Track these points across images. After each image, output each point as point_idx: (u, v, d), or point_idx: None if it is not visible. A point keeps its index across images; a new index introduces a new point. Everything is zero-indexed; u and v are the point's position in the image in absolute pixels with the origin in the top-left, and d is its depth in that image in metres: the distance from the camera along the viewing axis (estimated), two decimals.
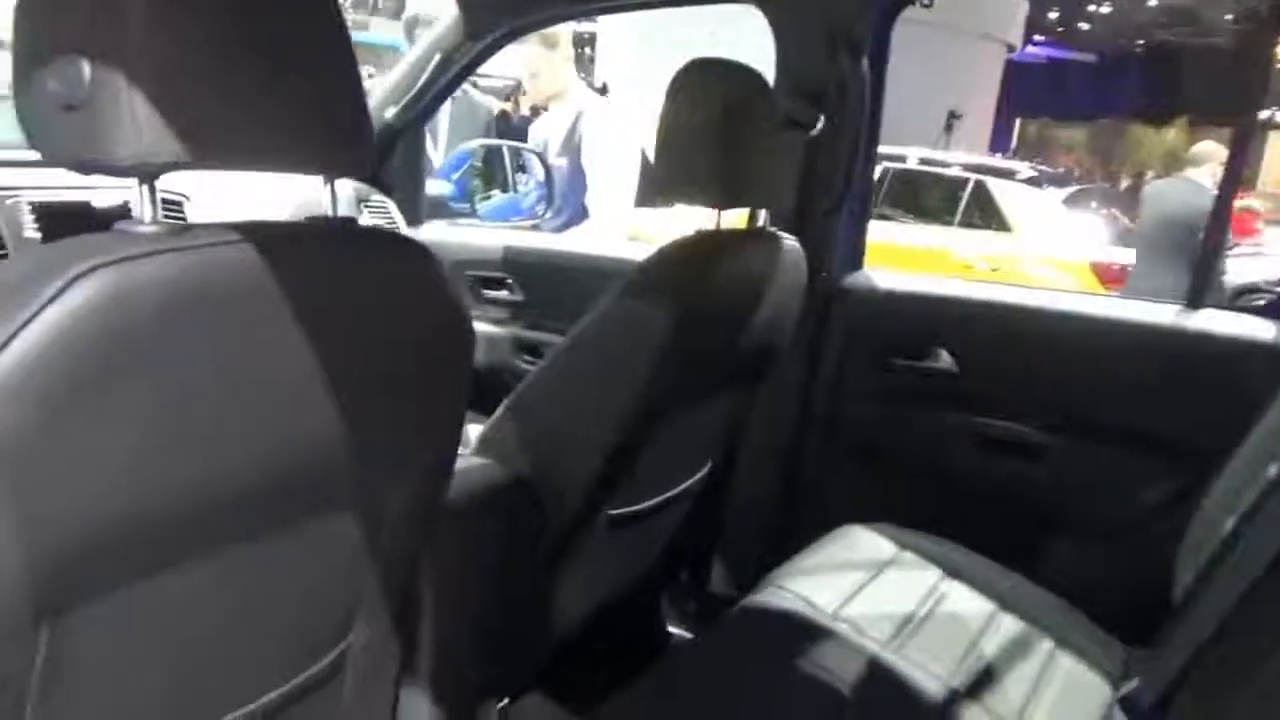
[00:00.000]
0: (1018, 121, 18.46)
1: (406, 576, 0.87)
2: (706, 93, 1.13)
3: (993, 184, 5.57)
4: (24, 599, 0.53)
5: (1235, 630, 0.84)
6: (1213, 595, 0.89)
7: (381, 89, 1.98)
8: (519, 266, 2.03)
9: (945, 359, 1.57)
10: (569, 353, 1.15)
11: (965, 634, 1.17)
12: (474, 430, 1.24)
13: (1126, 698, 0.98)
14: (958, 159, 6.25)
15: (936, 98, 8.52)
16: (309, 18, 0.64)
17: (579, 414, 1.17)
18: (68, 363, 0.51)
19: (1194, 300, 1.47)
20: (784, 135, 1.42)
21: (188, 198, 1.49)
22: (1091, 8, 18.64)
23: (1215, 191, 2.63)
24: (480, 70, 2.10)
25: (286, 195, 1.59)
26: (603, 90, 6.35)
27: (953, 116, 8.62)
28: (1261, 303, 4.83)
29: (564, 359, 1.16)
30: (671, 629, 1.70)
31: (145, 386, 0.54)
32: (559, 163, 2.63)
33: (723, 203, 1.19)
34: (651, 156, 1.21)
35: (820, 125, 1.53)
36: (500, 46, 1.95)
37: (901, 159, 5.86)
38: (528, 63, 2.70)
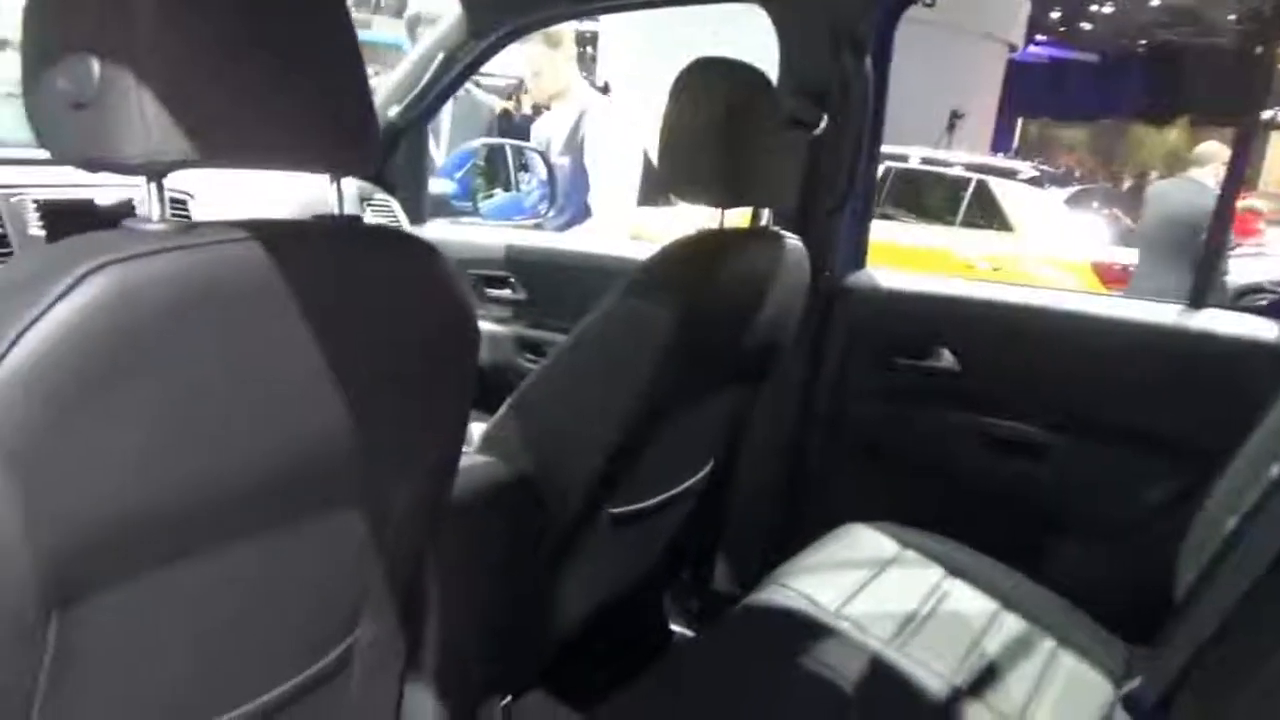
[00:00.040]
0: (1019, 121, 18.44)
1: (411, 573, 0.87)
2: (710, 92, 1.13)
3: (995, 184, 5.56)
4: (33, 593, 0.53)
5: (1237, 629, 0.84)
6: (1215, 594, 0.89)
7: (385, 87, 1.99)
8: (522, 265, 2.04)
9: (948, 358, 1.57)
10: (572, 351, 1.16)
11: (968, 632, 1.17)
12: (477, 429, 1.24)
13: (1129, 696, 0.98)
14: (960, 159, 6.25)
15: (938, 97, 8.51)
16: (317, 16, 0.64)
17: (582, 412, 1.17)
18: (76, 359, 0.51)
19: (1196, 300, 1.47)
20: (787, 134, 1.42)
21: (192, 196, 1.49)
22: (1093, 7, 18.61)
23: (1218, 191, 2.63)
24: (482, 69, 2.10)
25: (290, 194, 1.60)
26: (604, 89, 6.35)
27: (955, 116, 8.61)
28: (1264, 303, 4.82)
29: (567, 358, 1.16)
30: (674, 627, 1.70)
31: (153, 383, 0.55)
32: (561, 161, 2.63)
33: (726, 202, 1.19)
34: (654, 156, 1.21)
35: (823, 124, 1.53)
36: (503, 45, 1.95)
37: (903, 158, 5.86)
38: (530, 62, 2.70)
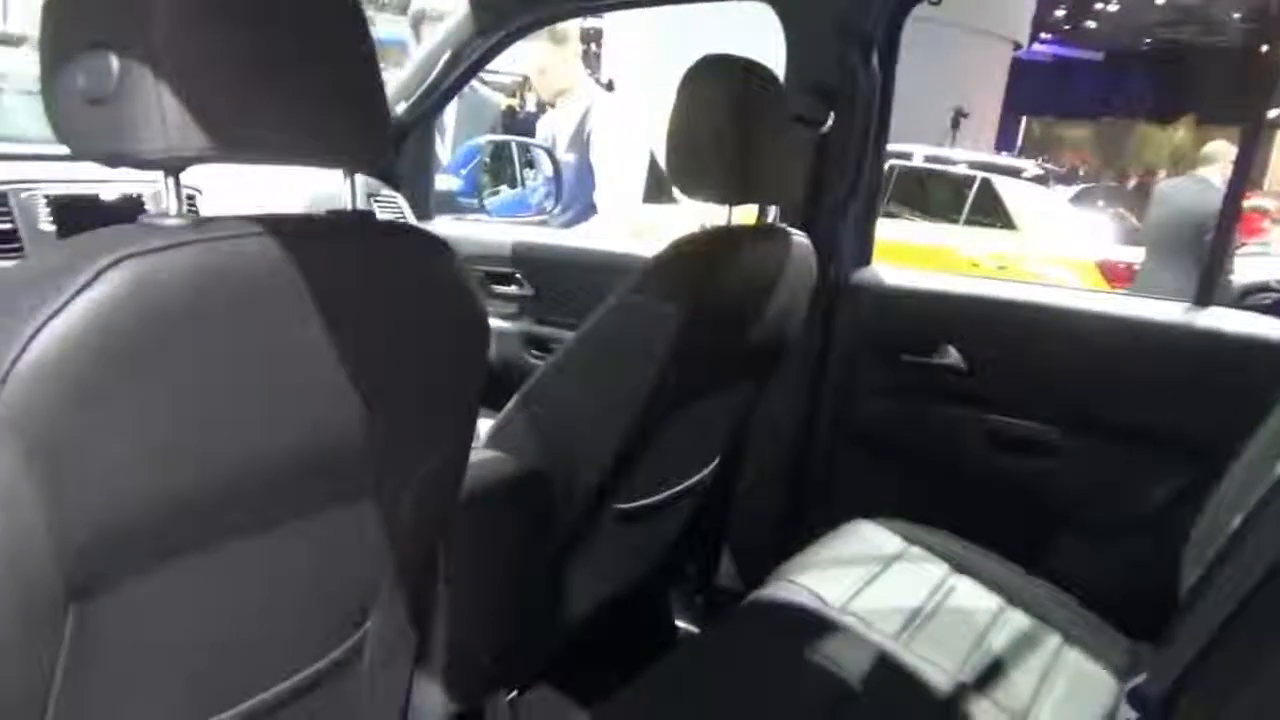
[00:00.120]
0: (1024, 119, 18.40)
1: (422, 566, 0.88)
2: (717, 89, 1.13)
3: (999, 182, 5.56)
4: (53, 586, 0.54)
5: (1242, 626, 0.84)
6: (1220, 591, 0.89)
7: (392, 85, 1.99)
8: (528, 262, 2.04)
9: (953, 355, 1.57)
10: (579, 347, 1.16)
11: (973, 628, 1.18)
12: (483, 424, 1.24)
13: (1134, 691, 0.98)
14: (964, 157, 6.25)
15: (943, 95, 8.50)
16: (331, 13, 0.65)
17: (589, 408, 1.17)
18: (97, 353, 0.52)
19: (1202, 299, 1.47)
20: (794, 132, 1.43)
21: (200, 192, 1.50)
22: (1098, 6, 18.57)
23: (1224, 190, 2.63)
24: (486, 66, 2.11)
25: (299, 190, 1.60)
26: (609, 86, 6.35)
27: (959, 114, 8.60)
28: (1269, 301, 4.82)
29: (574, 354, 1.17)
30: (679, 623, 1.71)
31: (173, 375, 0.55)
32: (567, 158, 2.63)
33: (733, 199, 1.20)
34: (659, 153, 1.22)
35: (830, 122, 1.53)
36: (510, 43, 1.95)
37: (907, 157, 5.85)
38: (536, 59, 2.69)
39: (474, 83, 2.79)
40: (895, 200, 5.69)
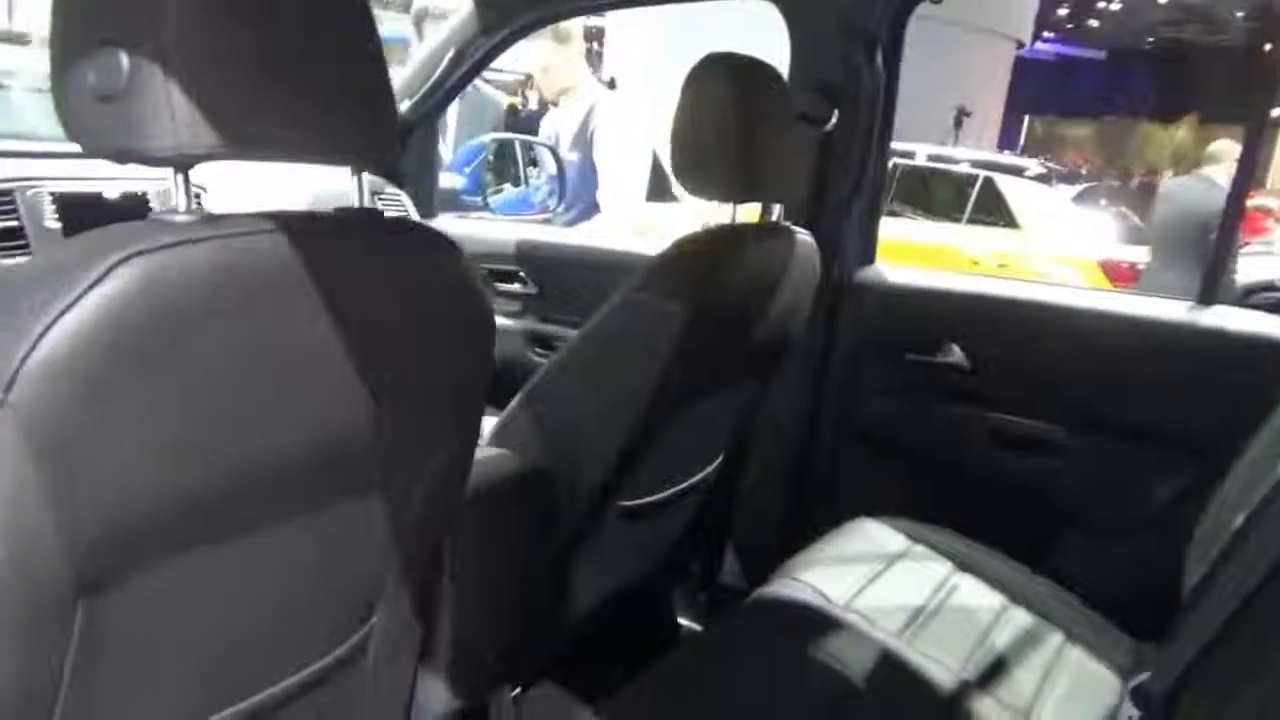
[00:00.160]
0: (1026, 118, 18.37)
1: (427, 562, 0.88)
2: (721, 87, 1.13)
3: (1001, 181, 5.55)
4: (62, 582, 0.54)
5: (1246, 624, 0.84)
6: (1223, 589, 0.89)
7: (396, 83, 1.99)
8: (531, 260, 2.04)
9: (957, 354, 1.57)
10: (584, 345, 1.16)
11: (976, 626, 1.18)
12: (487, 422, 1.25)
13: (1137, 689, 0.99)
14: (966, 155, 6.24)
15: (945, 94, 8.49)
16: (339, 11, 0.65)
17: (592, 406, 1.18)
18: (107, 349, 0.52)
19: (1205, 297, 1.47)
20: (798, 130, 1.43)
21: (205, 189, 1.50)
22: (1101, 4, 18.54)
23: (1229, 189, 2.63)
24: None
25: (301, 188, 1.60)
26: (610, 85, 6.34)
27: (962, 113, 8.59)
28: (1272, 300, 4.81)
29: (578, 352, 1.17)
30: (682, 620, 1.71)
31: (182, 371, 0.55)
32: (570, 157, 2.63)
33: (737, 197, 1.20)
34: (662, 151, 1.22)
35: (834, 120, 1.53)
36: (514, 41, 1.96)
37: (910, 155, 5.85)
38: (540, 57, 2.70)
39: (476, 81, 2.79)
40: (898, 199, 5.68)
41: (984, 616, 1.20)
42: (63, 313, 0.51)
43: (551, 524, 1.18)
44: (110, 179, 1.41)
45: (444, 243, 0.75)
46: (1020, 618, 1.21)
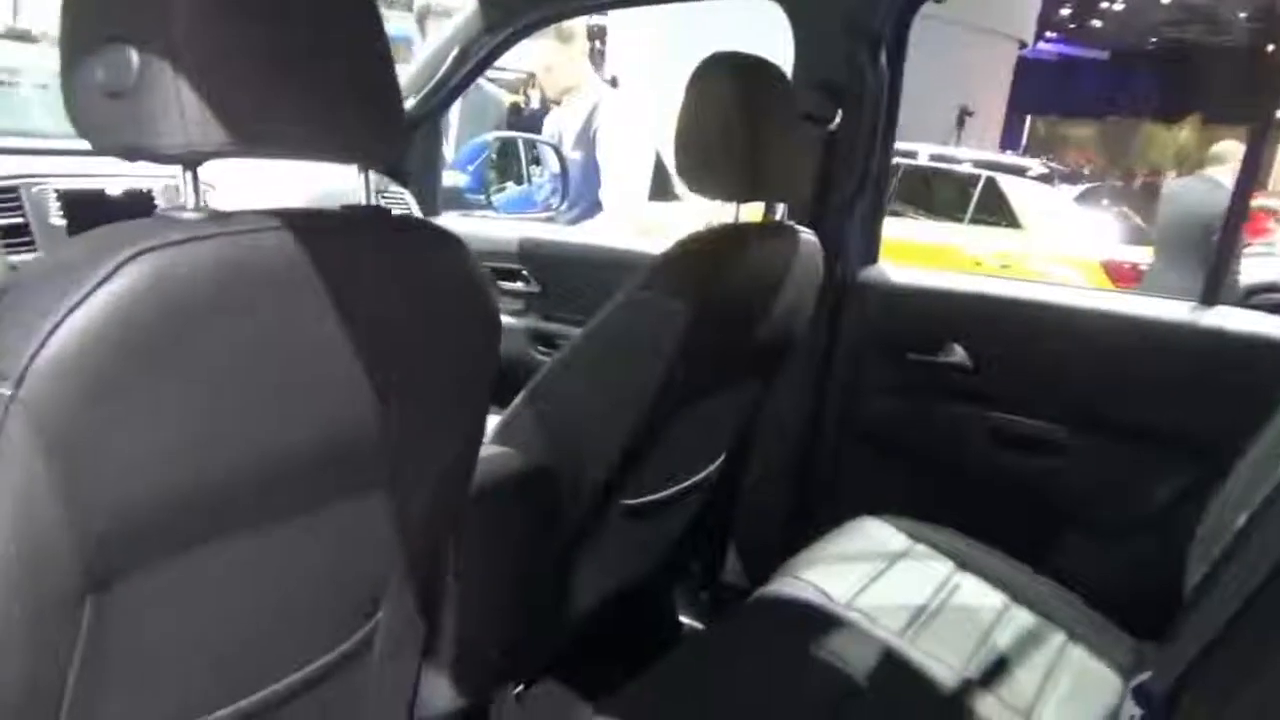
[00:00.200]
0: (1029, 118, 18.35)
1: (431, 559, 0.88)
2: (725, 86, 1.13)
3: (1004, 181, 5.55)
4: (71, 579, 0.54)
5: (1247, 624, 0.84)
6: (1225, 589, 0.89)
7: (400, 81, 1.99)
8: (534, 258, 2.05)
9: (959, 353, 1.58)
10: (587, 343, 1.16)
11: (978, 625, 1.18)
12: (490, 420, 1.25)
13: (1139, 688, 0.99)
14: (969, 155, 6.23)
15: (948, 94, 8.48)
16: (347, 9, 0.65)
17: (595, 405, 1.18)
18: (116, 345, 0.52)
19: (1208, 298, 1.47)
20: (802, 130, 1.43)
21: (212, 187, 1.51)
22: (1104, 5, 18.51)
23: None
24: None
25: (305, 185, 1.60)
26: (613, 84, 6.34)
27: (964, 113, 8.59)
28: (1274, 301, 4.81)
29: (581, 350, 1.17)
30: (684, 619, 1.71)
31: (191, 368, 0.56)
32: (573, 156, 2.64)
33: (741, 196, 1.20)
34: (665, 151, 1.22)
35: (838, 120, 1.54)
36: (517, 40, 1.96)
37: (912, 155, 5.84)
38: (543, 56, 2.70)
39: (479, 80, 2.79)
40: (900, 199, 5.68)
41: (986, 616, 1.21)
42: (72, 310, 0.51)
43: (554, 522, 1.18)
44: (115, 176, 1.42)
45: (451, 240, 0.75)
46: (1022, 617, 1.21)
